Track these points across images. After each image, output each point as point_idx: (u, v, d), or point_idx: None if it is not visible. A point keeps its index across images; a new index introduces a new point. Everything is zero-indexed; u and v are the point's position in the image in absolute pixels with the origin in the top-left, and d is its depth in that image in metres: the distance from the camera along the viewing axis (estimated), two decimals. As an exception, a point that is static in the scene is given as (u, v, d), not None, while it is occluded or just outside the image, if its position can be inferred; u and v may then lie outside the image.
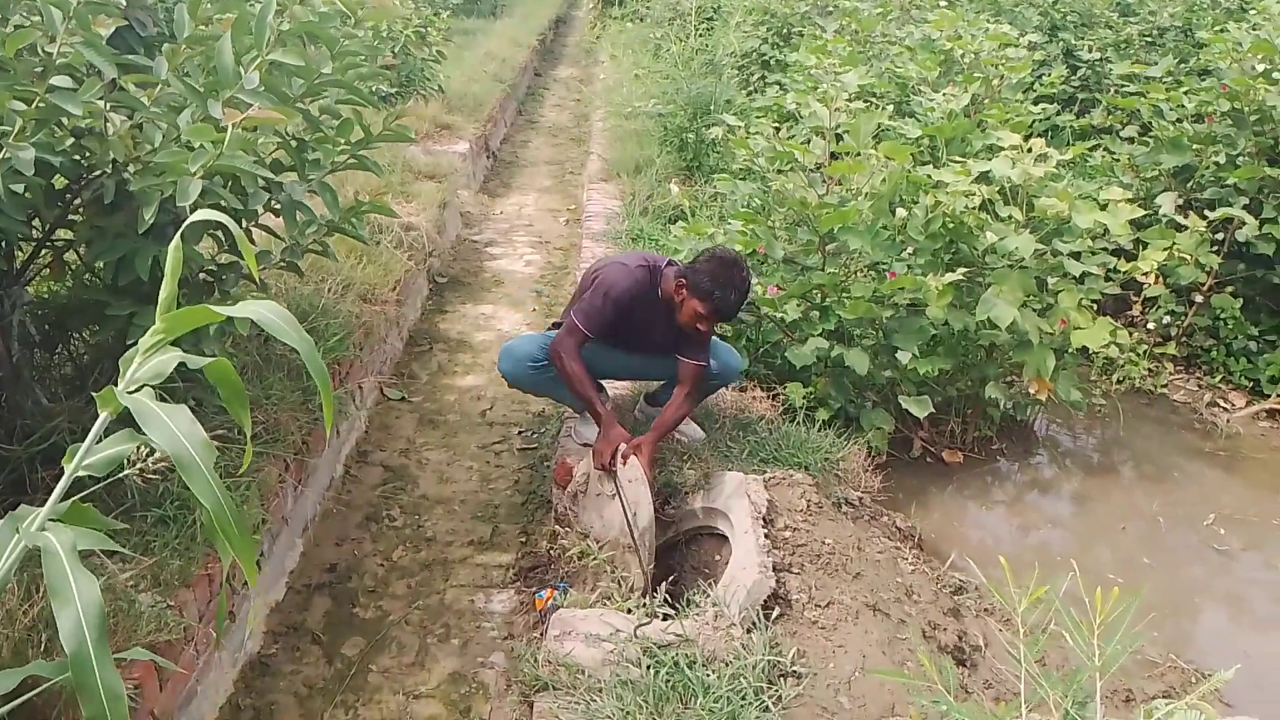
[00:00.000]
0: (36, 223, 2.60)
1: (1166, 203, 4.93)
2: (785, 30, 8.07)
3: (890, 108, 5.02)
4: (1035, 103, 5.63)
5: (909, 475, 4.04)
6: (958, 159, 4.16)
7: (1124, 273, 4.39)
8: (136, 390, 1.25)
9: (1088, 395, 4.43)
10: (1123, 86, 6.33)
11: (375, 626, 3.01)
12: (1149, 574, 3.57)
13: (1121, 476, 4.26)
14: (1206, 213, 4.79)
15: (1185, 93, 5.38)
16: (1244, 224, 4.69)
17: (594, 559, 2.94)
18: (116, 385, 1.26)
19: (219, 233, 2.74)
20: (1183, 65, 6.24)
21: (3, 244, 2.54)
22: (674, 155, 6.95)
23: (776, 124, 5.41)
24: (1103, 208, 3.84)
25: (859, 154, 4.08)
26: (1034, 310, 3.86)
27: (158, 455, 1.46)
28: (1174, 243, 4.57)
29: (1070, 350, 3.97)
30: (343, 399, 3.77)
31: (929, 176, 4.04)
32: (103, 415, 1.28)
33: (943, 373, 3.94)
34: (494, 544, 3.43)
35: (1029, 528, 3.91)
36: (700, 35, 9.77)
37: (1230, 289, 4.98)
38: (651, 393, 3.69)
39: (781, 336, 4.06)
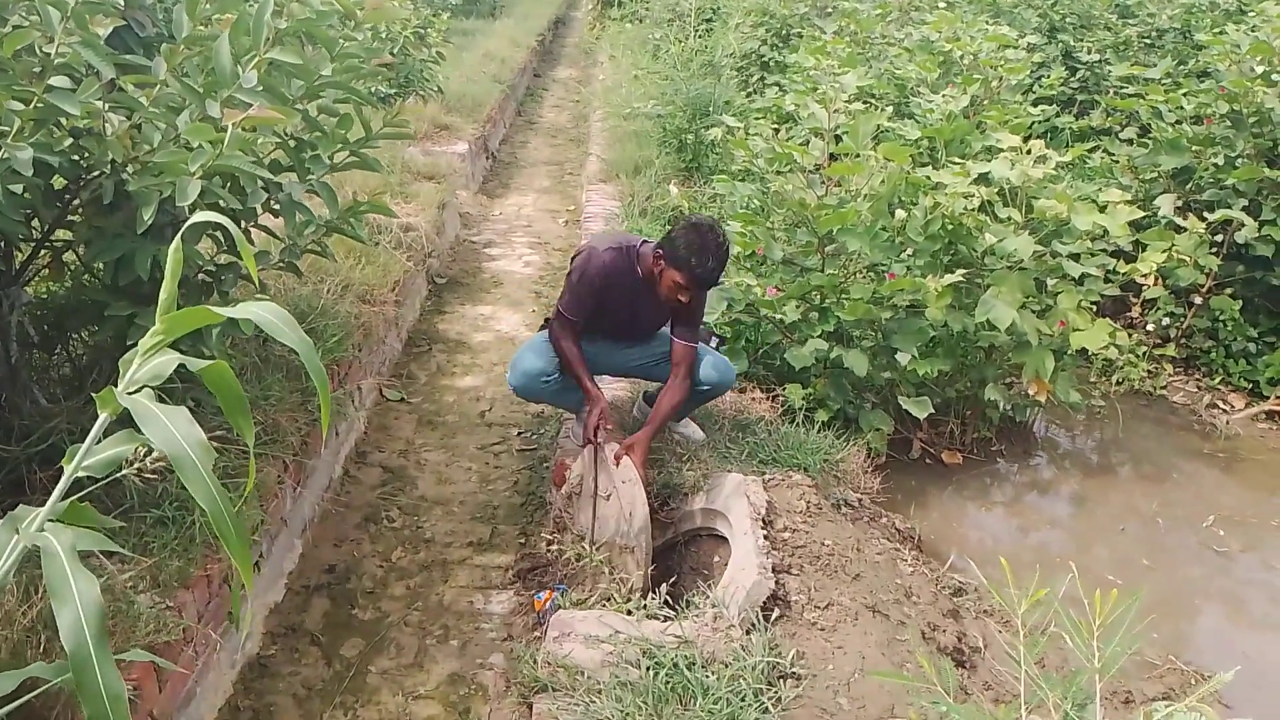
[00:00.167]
0: (35, 223, 2.59)
1: (1165, 204, 4.94)
2: (784, 31, 8.08)
3: (889, 109, 5.03)
4: (1034, 104, 5.64)
5: (908, 476, 4.04)
6: (957, 160, 4.17)
7: (1123, 274, 4.39)
8: (136, 391, 1.25)
9: (1087, 397, 4.43)
10: (1122, 88, 6.34)
11: (374, 627, 3.00)
12: (1148, 575, 3.57)
13: (1120, 478, 4.26)
14: (1205, 214, 4.80)
15: (1184, 94, 5.38)
16: (1243, 225, 4.70)
17: (592, 561, 2.94)
18: (115, 386, 1.26)
19: (218, 233, 2.74)
20: (1181, 67, 6.25)
21: (1, 244, 2.53)
22: (673, 156, 6.95)
23: (775, 125, 5.41)
24: (1102, 209, 3.84)
25: (858, 155, 4.08)
26: (1033, 312, 3.86)
27: (156, 456, 1.45)
28: (1173, 244, 4.58)
29: (1069, 352, 3.98)
30: (341, 400, 3.77)
31: (928, 178, 4.04)
32: (102, 416, 1.27)
33: (942, 374, 3.94)
34: (493, 545, 3.43)
35: (1028, 529, 3.92)
36: (699, 36, 9.77)
37: (1229, 290, 4.98)
38: (650, 392, 3.69)
39: (780, 338, 4.06)
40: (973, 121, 4.81)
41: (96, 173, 2.37)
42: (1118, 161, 5.52)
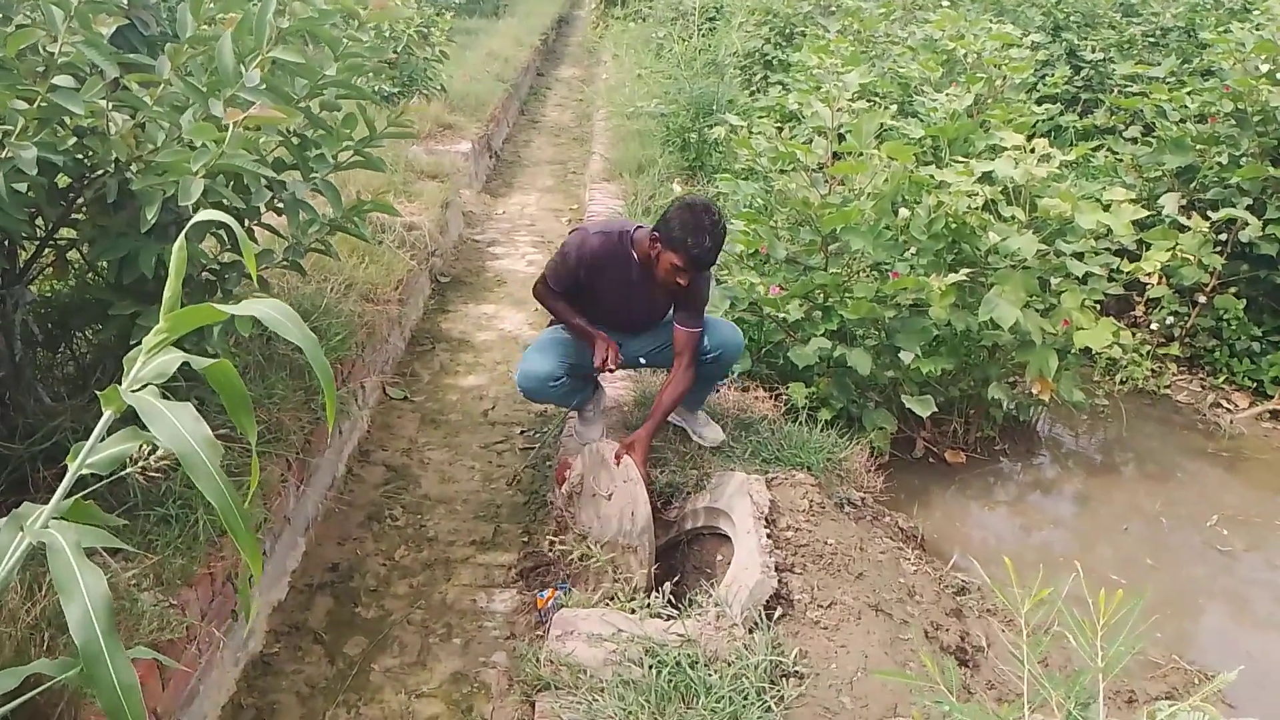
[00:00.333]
0: (39, 222, 2.60)
1: (1169, 203, 4.93)
2: (788, 30, 8.08)
3: (893, 108, 5.02)
4: (1038, 103, 5.64)
5: (911, 475, 4.04)
6: (960, 159, 4.16)
7: (1127, 273, 4.38)
8: (140, 389, 1.25)
9: (1090, 396, 4.42)
10: (1126, 87, 6.33)
11: (377, 626, 3.01)
12: (1152, 575, 3.56)
13: (1124, 477, 4.26)
14: (1209, 213, 4.78)
15: (1188, 93, 5.37)
16: (1247, 225, 4.68)
17: (597, 560, 2.94)
18: (119, 384, 1.26)
19: (222, 232, 2.74)
20: (1186, 65, 6.24)
21: (5, 243, 2.54)
22: (676, 155, 6.95)
23: (779, 124, 5.41)
24: (1106, 208, 3.84)
25: (861, 154, 4.08)
26: (1037, 311, 3.85)
27: (160, 454, 1.45)
28: (1177, 243, 4.57)
29: (1073, 351, 3.97)
30: (345, 398, 3.77)
31: (932, 177, 4.03)
32: (106, 414, 1.28)
33: (945, 373, 3.94)
34: (496, 544, 3.43)
35: (1031, 528, 3.91)
36: (703, 35, 9.77)
37: (1233, 290, 4.97)
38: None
39: (784, 336, 4.06)
40: (976, 120, 4.81)
41: (100, 171, 2.38)
42: (1122, 160, 5.51)
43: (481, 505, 3.65)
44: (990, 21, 6.35)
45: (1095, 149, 5.61)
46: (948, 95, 5.05)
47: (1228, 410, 4.76)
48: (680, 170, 6.83)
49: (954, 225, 3.92)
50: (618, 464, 3.04)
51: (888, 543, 3.20)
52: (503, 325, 5.25)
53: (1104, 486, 4.15)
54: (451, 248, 6.21)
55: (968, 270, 3.80)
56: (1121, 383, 4.78)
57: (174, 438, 1.21)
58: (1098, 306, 4.10)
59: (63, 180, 2.46)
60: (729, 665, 2.36)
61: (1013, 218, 3.85)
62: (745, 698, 2.26)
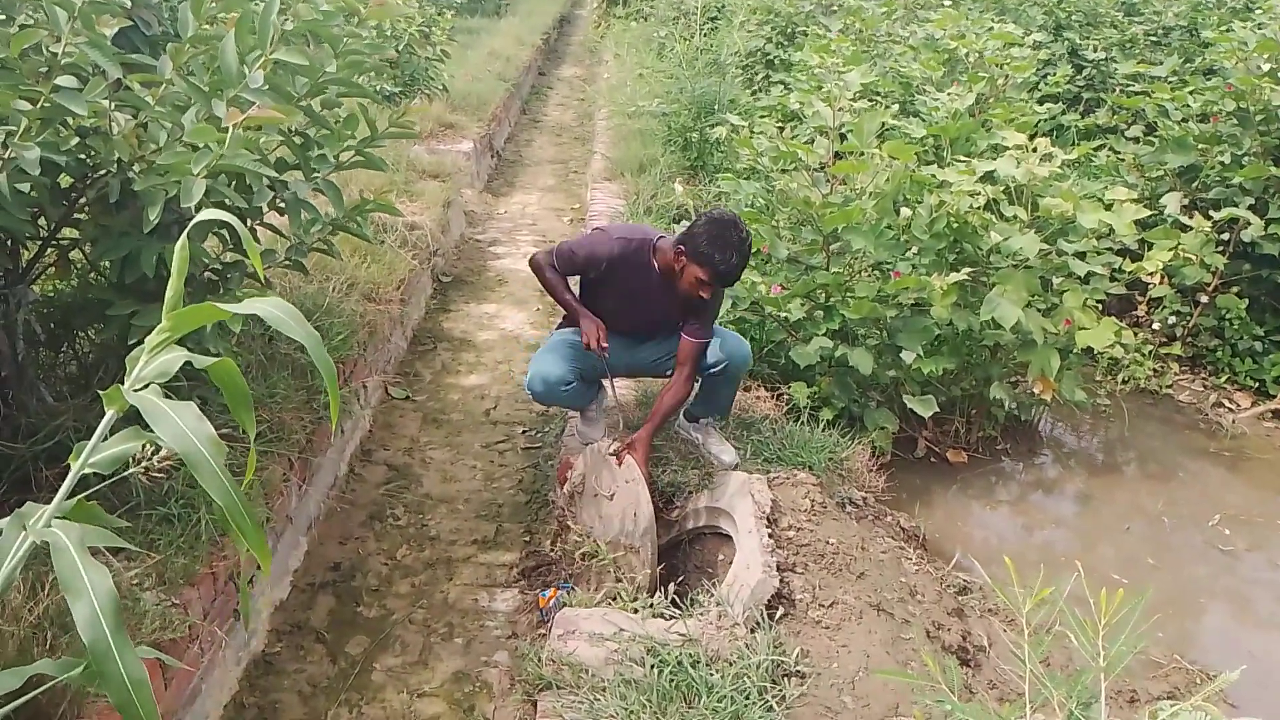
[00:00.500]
0: (42, 222, 2.60)
1: (1171, 203, 4.92)
2: (789, 29, 8.08)
3: (894, 107, 5.02)
4: (1040, 102, 5.64)
5: (913, 475, 4.04)
6: (962, 158, 4.16)
7: (1129, 273, 4.38)
8: (143, 388, 1.25)
9: (1092, 395, 4.42)
10: (1128, 86, 6.33)
11: (379, 625, 3.01)
12: (1153, 574, 3.56)
13: (1126, 477, 4.26)
14: (1212, 213, 4.78)
15: (1190, 92, 5.37)
16: (1249, 224, 4.68)
17: (601, 559, 2.94)
18: (122, 383, 1.26)
19: (224, 231, 2.75)
20: (1188, 65, 6.24)
21: (8, 243, 2.54)
22: (678, 154, 6.95)
23: (780, 123, 5.41)
24: (1108, 207, 3.84)
25: (863, 153, 4.08)
26: (1039, 310, 3.85)
27: (163, 453, 1.46)
28: (1179, 243, 4.56)
29: (1075, 350, 3.97)
30: (347, 398, 3.77)
31: (933, 176, 4.03)
32: (109, 413, 1.28)
33: (947, 372, 3.94)
34: (498, 543, 3.43)
35: (1033, 528, 3.91)
36: (704, 34, 9.77)
37: (1235, 289, 4.97)
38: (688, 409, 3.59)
39: (785, 336, 4.06)
40: (978, 119, 4.81)
41: (103, 171, 2.38)
42: (1123, 160, 5.51)
43: (483, 504, 3.65)
44: (992, 21, 6.35)
45: (1097, 148, 5.61)
46: (949, 94, 5.05)
47: (1230, 410, 4.75)
48: (682, 170, 6.83)
49: (956, 225, 3.92)
50: (619, 464, 3.04)
51: (889, 542, 3.20)
52: (504, 325, 5.25)
53: (1106, 486, 4.15)
54: (453, 247, 6.21)
55: (969, 270, 3.80)
56: (1123, 382, 4.77)
57: (177, 437, 1.21)
58: (1100, 306, 4.10)
59: (65, 180, 2.46)
60: (730, 665, 2.36)
61: (1014, 217, 3.85)
62: (747, 697, 2.26)
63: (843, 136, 4.29)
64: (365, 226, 3.10)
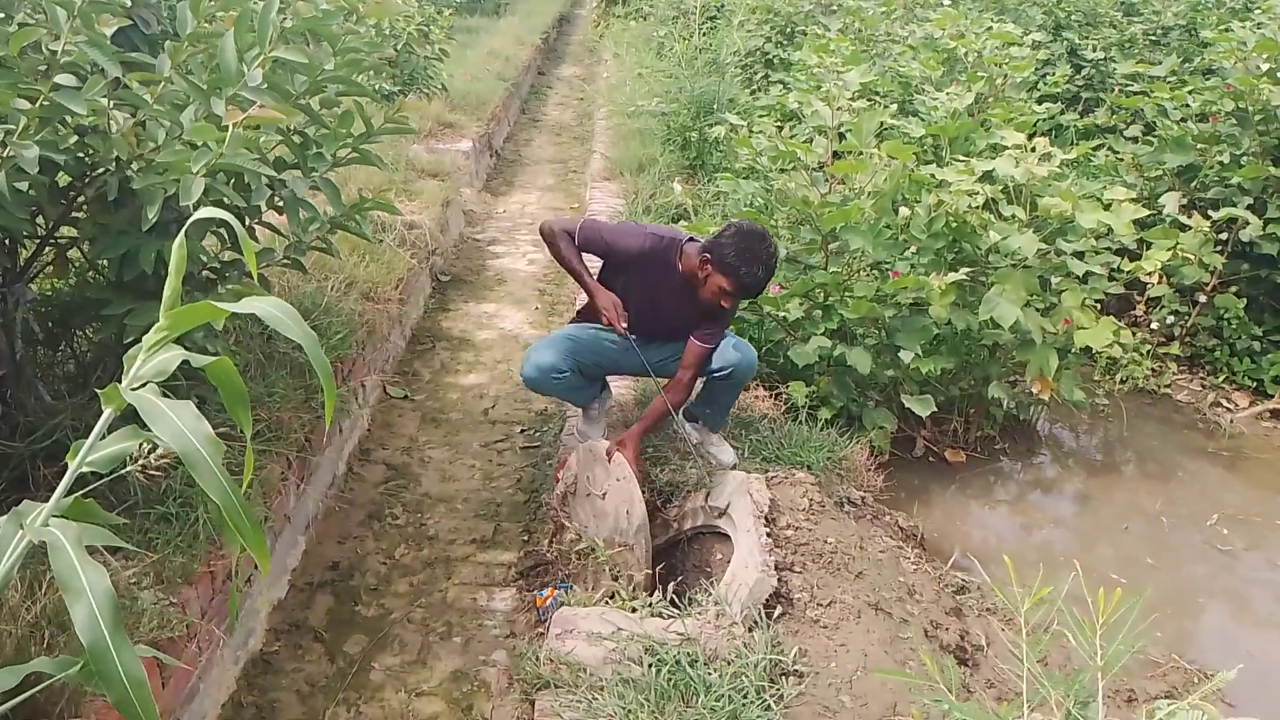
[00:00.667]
0: (40, 220, 2.60)
1: (1170, 202, 4.93)
2: (788, 29, 8.08)
3: (893, 107, 5.02)
4: (1039, 102, 5.64)
5: (911, 474, 4.04)
6: (961, 158, 4.16)
7: (1128, 272, 4.38)
8: (140, 387, 1.25)
9: (1091, 395, 4.42)
10: (1127, 86, 6.33)
11: (377, 624, 3.01)
12: (1152, 574, 3.57)
13: (1124, 476, 4.26)
14: (1210, 212, 4.78)
15: (1189, 92, 5.37)
16: (1248, 224, 4.69)
17: (598, 557, 2.94)
18: (119, 382, 1.26)
19: (222, 230, 2.75)
20: (1187, 64, 6.24)
21: (7, 241, 2.54)
22: (677, 154, 6.95)
23: (779, 123, 5.41)
24: (1106, 207, 3.84)
25: (861, 153, 4.08)
26: (1037, 310, 3.85)
27: (160, 452, 1.46)
28: (1178, 242, 4.57)
29: (1073, 350, 3.97)
30: (345, 397, 3.77)
31: (932, 176, 4.04)
32: (106, 412, 1.28)
33: (945, 372, 3.94)
34: (496, 542, 3.43)
35: (1031, 527, 3.91)
36: (703, 34, 9.76)
37: (1234, 289, 4.97)
38: (689, 410, 3.55)
39: (784, 335, 4.06)
40: (977, 119, 4.81)
41: (101, 170, 2.38)
42: (1122, 159, 5.51)
43: (482, 504, 3.65)
44: (991, 20, 6.35)
45: (1096, 148, 5.61)
46: (948, 94, 5.05)
47: (1228, 409, 4.76)
48: (681, 169, 6.83)
49: (954, 224, 3.92)
50: (610, 462, 3.04)
51: (888, 542, 3.20)
52: (503, 324, 5.25)
53: (1104, 485, 4.15)
54: (452, 246, 6.21)
55: (968, 269, 3.80)
56: (1122, 382, 4.78)
57: (175, 436, 1.21)
58: (1098, 306, 4.10)
59: (64, 179, 2.46)
60: (729, 664, 2.36)
61: (1013, 217, 3.86)
62: (745, 696, 2.26)
63: (841, 136, 4.29)
64: (364, 225, 3.10)
